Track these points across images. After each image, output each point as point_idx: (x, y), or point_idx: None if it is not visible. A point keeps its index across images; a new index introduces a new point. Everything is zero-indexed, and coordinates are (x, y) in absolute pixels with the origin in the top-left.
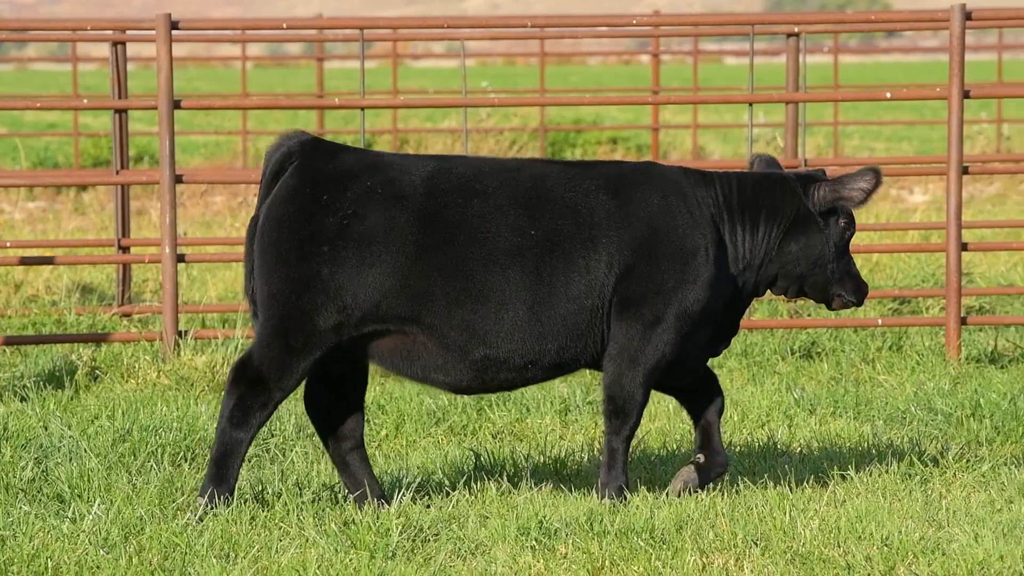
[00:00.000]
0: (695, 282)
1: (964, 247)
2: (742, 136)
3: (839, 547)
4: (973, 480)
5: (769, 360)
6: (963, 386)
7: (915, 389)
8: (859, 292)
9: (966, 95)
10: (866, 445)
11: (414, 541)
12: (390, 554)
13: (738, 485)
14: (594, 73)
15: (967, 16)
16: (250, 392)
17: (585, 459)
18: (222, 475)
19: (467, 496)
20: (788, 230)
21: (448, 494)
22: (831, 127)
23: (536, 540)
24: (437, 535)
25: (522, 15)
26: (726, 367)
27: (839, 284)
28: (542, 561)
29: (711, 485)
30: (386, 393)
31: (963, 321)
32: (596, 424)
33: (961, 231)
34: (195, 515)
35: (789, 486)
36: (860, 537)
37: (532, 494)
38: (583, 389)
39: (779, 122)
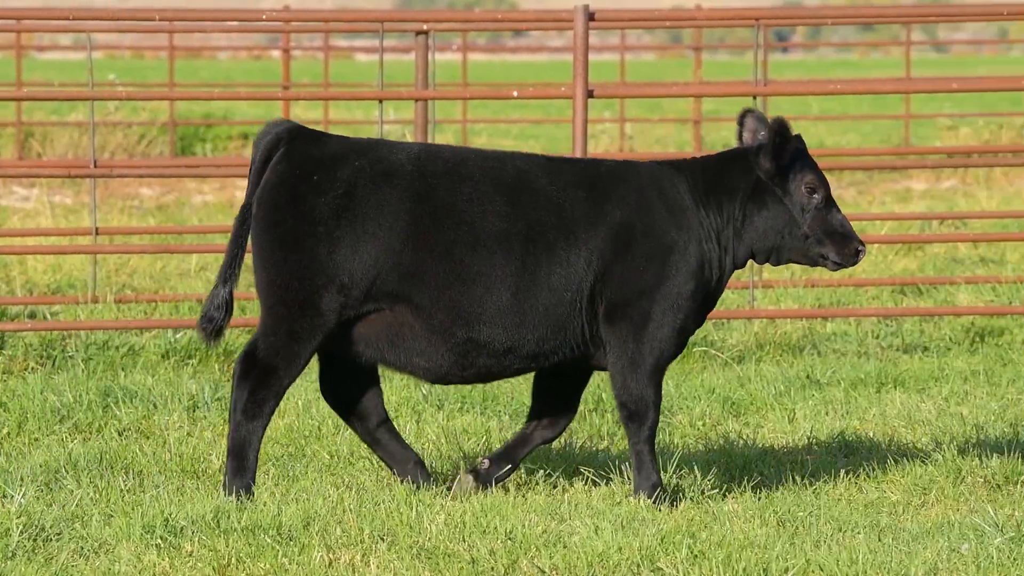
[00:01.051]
0: (676, 276)
1: None
2: (372, 133)
3: (464, 541)
4: (594, 474)
5: None
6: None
7: None
8: (844, 252)
9: (590, 94)
10: (492, 439)
11: (35, 540)
12: (10, 554)
13: (365, 481)
14: (224, 68)
15: (590, 17)
16: (260, 384)
17: (213, 456)
18: (242, 467)
19: (91, 494)
20: (747, 205)
21: (72, 492)
22: (460, 124)
23: (161, 538)
24: (60, 534)
25: (150, 8)
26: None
27: (819, 246)
28: (167, 559)
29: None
30: (8, 390)
31: None
32: (223, 420)
33: None
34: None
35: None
36: (484, 531)
37: (158, 492)
38: (212, 386)
39: (409, 119)
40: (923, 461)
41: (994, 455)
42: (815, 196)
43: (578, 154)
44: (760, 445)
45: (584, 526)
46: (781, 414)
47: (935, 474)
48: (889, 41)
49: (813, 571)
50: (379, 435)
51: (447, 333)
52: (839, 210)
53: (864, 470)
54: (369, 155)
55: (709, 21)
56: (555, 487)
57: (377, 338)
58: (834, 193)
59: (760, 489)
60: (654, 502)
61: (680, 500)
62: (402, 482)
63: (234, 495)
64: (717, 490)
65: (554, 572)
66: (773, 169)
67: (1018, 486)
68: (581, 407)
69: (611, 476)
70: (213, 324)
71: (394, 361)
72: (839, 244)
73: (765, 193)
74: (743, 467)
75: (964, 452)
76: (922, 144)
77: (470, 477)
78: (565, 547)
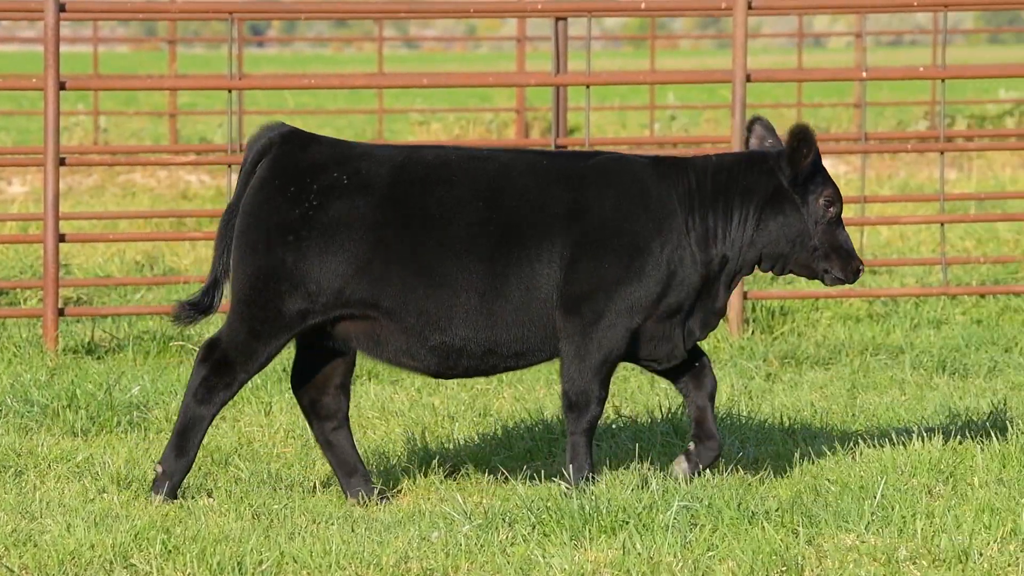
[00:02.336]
0: (641, 279)
1: (62, 238)
2: None
3: None
4: (68, 471)
5: None
6: (60, 377)
7: (12, 381)
8: (847, 269)
9: (62, 86)
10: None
11: None
12: None
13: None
14: None
15: (61, 7)
16: (215, 372)
17: None
18: (183, 447)
19: None
20: (764, 210)
21: None
22: None
23: None
24: None
25: None
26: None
27: (825, 261)
28: None
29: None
30: None
31: (60, 312)
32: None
33: (59, 222)
34: (155, 482)
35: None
36: None
37: None
38: None
39: None
40: (395, 451)
41: (463, 442)
42: (831, 210)
43: (50, 147)
44: (237, 439)
45: (56, 524)
46: (258, 407)
47: (406, 464)
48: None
49: (287, 563)
50: (333, 438)
51: (422, 336)
52: (844, 228)
53: None
54: (349, 166)
55: (183, 14)
56: (25, 485)
57: (366, 337)
58: None
59: (236, 483)
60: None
61: (154, 497)
62: (347, 496)
63: (165, 473)
64: (192, 484)
65: (24, 572)
66: (796, 171)
67: (486, 474)
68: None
69: (84, 473)
70: (197, 308)
71: (386, 358)
72: (844, 261)
73: (784, 200)
74: (220, 462)
75: (438, 442)
76: (395, 139)
77: (683, 458)
78: (36, 546)
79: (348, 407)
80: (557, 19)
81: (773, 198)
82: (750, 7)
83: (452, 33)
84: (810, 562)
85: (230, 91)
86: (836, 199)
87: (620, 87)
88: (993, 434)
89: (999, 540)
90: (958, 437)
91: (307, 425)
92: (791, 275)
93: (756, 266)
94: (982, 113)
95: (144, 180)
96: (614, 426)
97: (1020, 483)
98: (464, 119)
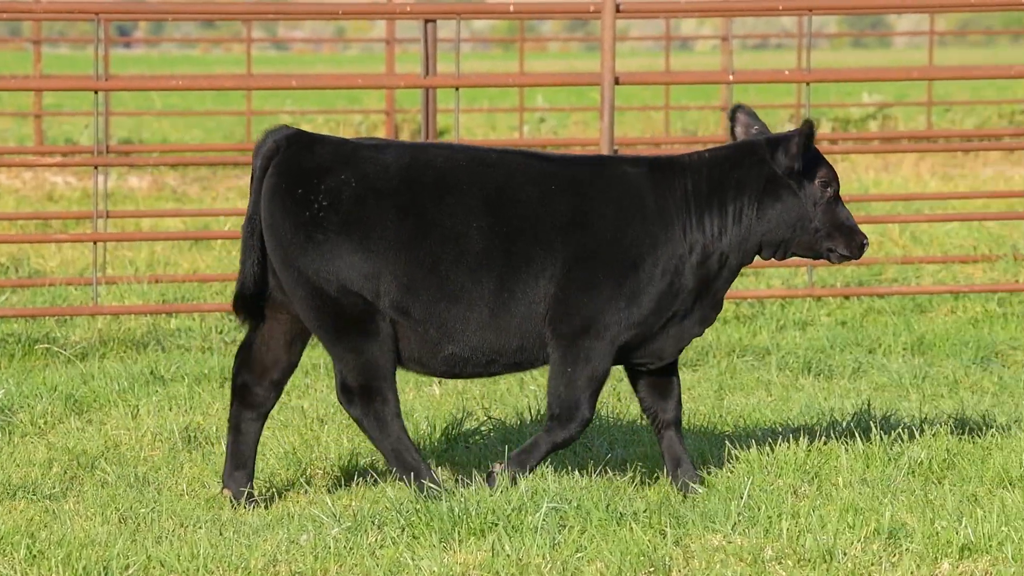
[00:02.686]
0: (635, 296)
1: None
2: None
3: None
4: None
5: None
6: None
7: None
8: (852, 245)
9: None
10: None
11: None
12: None
13: None
14: None
15: None
16: (365, 403)
17: None
18: (409, 464)
19: None
20: (761, 201)
21: None
22: None
23: None
24: None
25: None
26: None
27: (829, 240)
28: None
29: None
30: None
31: None
32: None
33: None
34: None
35: None
36: None
37: None
38: None
39: None
40: (264, 455)
41: (332, 446)
42: (828, 190)
43: None
44: (104, 442)
45: None
46: (125, 410)
47: (276, 467)
48: (231, 38)
49: (155, 567)
50: (245, 428)
51: (437, 347)
52: (844, 204)
53: (206, 465)
54: (356, 168)
55: (48, 14)
56: None
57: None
58: (179, 190)
59: (103, 487)
60: (412, 485)
61: (19, 499)
62: (223, 486)
63: (423, 488)
64: (58, 488)
65: None
66: (793, 164)
67: (355, 477)
68: None
69: None
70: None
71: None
72: (848, 237)
73: (780, 187)
74: (87, 465)
75: (307, 445)
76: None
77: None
78: None
79: (274, 405)
80: (426, 21)
81: (768, 187)
82: (618, 10)
83: (321, 35)
84: (677, 563)
85: (96, 92)
86: (832, 178)
87: (489, 89)
88: (857, 435)
89: (863, 539)
90: (823, 438)
91: (228, 403)
92: None
93: (759, 254)
94: (846, 116)
95: (9, 181)
96: (483, 428)
97: (883, 483)
98: (333, 120)
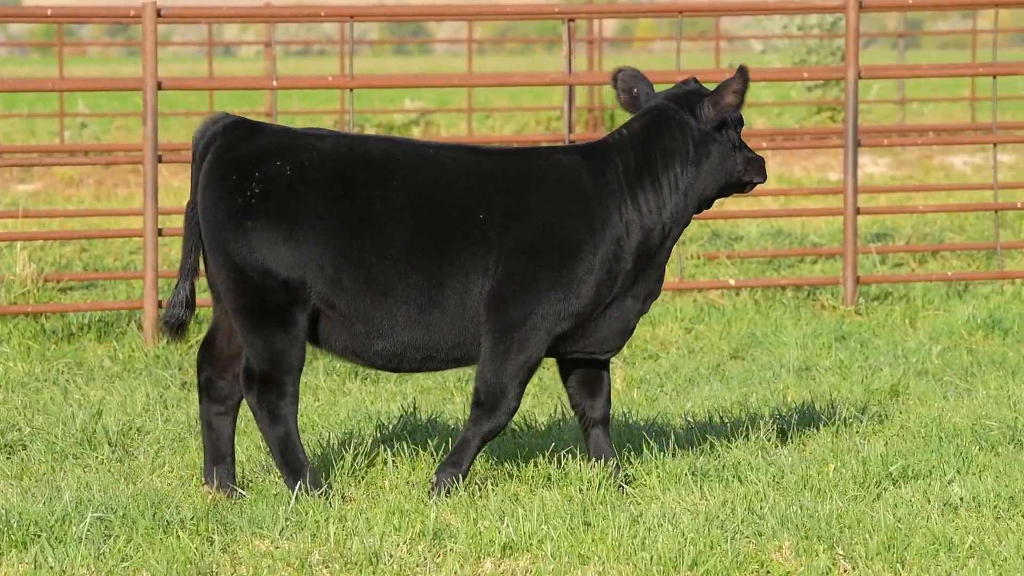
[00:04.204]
0: (571, 284)
1: None
2: None
3: None
4: None
5: None
6: None
7: None
8: (763, 169)
9: None
10: None
11: None
12: None
13: None
14: None
15: None
16: (263, 392)
17: None
18: (294, 464)
19: None
20: (693, 162)
21: None
22: None
23: None
24: None
25: None
26: None
27: (747, 174)
28: None
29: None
30: None
31: None
32: None
33: None
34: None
35: None
36: None
37: None
38: None
39: None
40: None
41: None
42: (739, 128)
43: None
44: None
45: None
46: None
47: None
48: None
49: None
50: (216, 422)
51: (367, 341)
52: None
53: None
54: (292, 156)
55: None
56: None
57: (320, 332)
58: None
59: None
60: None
61: None
62: (204, 481)
63: (303, 492)
64: None
65: None
66: (719, 116)
67: None
68: None
69: None
70: (175, 319)
71: (334, 354)
72: (758, 164)
73: (708, 143)
74: None
75: None
76: None
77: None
78: None
79: (242, 398)
80: None
81: (698, 145)
82: (159, 15)
83: None
84: (225, 568)
85: None
86: (740, 117)
87: (28, 94)
88: (404, 437)
89: (408, 541)
90: (371, 441)
91: (198, 398)
92: None
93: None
94: (389, 122)
95: None
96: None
97: (427, 485)
98: None
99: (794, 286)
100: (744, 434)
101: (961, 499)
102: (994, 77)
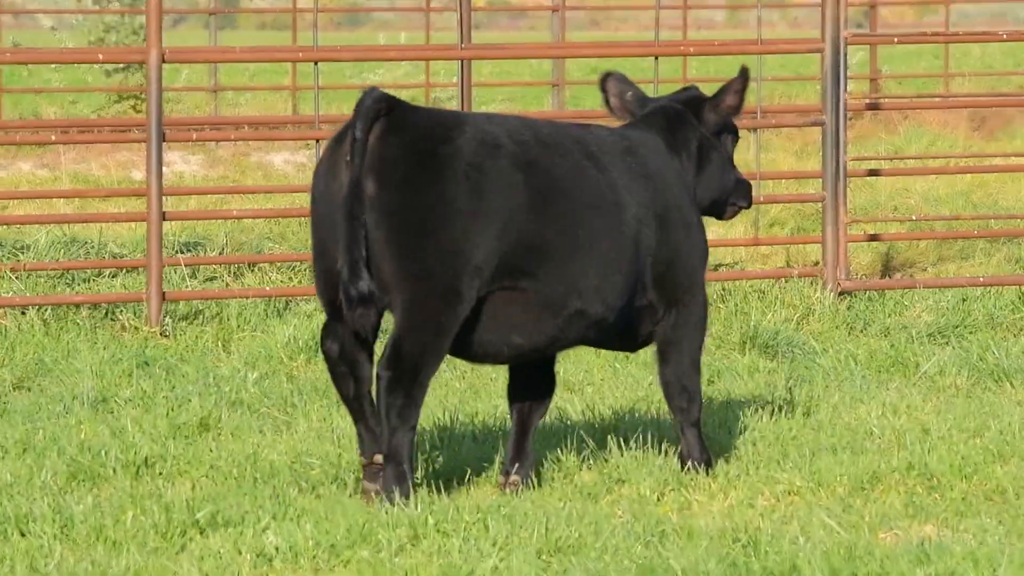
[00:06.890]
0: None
1: None
2: None
3: None
4: None
5: None
6: None
7: None
8: (750, 194)
9: None
10: None
11: None
12: None
13: None
14: None
15: None
16: (411, 381)
17: None
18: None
19: None
20: (697, 163)
21: None
22: None
23: None
24: None
25: None
26: None
27: (735, 195)
28: None
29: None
30: None
31: None
32: None
33: None
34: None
35: None
36: None
37: None
38: None
39: None
40: None
41: None
42: (735, 142)
43: None
44: None
45: None
46: None
47: None
48: None
49: None
50: (365, 403)
51: (560, 305)
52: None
53: None
54: (469, 129)
55: None
56: None
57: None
58: None
59: None
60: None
61: None
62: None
63: (397, 502)
64: None
65: None
66: (722, 120)
67: None
68: None
69: None
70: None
71: (488, 339)
72: (746, 187)
73: (711, 148)
74: None
75: None
76: None
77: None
78: None
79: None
80: None
81: (700, 151)
82: None
83: None
84: None
85: None
86: (737, 131)
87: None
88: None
89: None
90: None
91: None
92: None
93: None
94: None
95: None
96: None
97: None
98: None
99: (90, 304)
100: (29, 478)
101: (277, 548)
102: (316, 63)
